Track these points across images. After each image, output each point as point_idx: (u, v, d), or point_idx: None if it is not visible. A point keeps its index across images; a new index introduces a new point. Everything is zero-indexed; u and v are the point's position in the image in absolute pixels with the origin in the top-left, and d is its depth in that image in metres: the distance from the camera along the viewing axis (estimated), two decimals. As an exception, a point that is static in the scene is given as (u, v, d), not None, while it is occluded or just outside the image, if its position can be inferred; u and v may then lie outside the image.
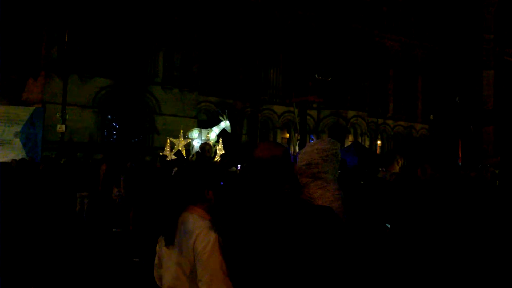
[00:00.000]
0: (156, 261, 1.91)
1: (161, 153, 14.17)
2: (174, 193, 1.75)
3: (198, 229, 1.68)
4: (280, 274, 1.44)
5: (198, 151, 7.12)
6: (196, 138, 15.68)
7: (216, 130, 16.51)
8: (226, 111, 17.91)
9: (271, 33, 28.95)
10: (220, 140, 16.07)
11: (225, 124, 16.57)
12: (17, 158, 12.76)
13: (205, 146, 6.23)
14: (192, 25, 25.03)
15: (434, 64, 36.40)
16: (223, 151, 14.41)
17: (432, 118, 37.45)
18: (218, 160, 12.32)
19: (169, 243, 1.70)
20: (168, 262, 1.75)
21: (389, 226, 2.01)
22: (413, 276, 1.78)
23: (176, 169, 6.68)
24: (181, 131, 16.11)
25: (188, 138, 15.83)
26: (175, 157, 12.91)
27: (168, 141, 15.79)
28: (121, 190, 8.64)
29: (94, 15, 21.80)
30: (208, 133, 16.19)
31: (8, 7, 20.98)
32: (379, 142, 33.17)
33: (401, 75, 35.20)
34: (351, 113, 30.79)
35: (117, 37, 22.78)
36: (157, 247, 1.89)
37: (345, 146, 24.22)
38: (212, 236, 1.64)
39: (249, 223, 1.52)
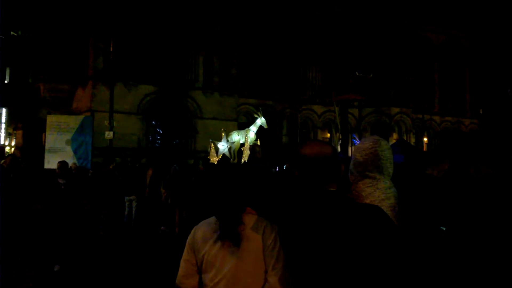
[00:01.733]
0: (183, 272, 1.82)
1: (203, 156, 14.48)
2: (236, 196, 1.82)
3: (262, 223, 1.79)
4: (326, 270, 1.50)
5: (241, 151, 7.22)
6: (224, 143, 15.80)
7: (253, 129, 16.38)
8: (260, 108, 17.88)
9: (309, 31, 28.71)
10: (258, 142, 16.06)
11: (261, 121, 16.34)
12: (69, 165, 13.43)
13: (255, 147, 6.28)
14: (229, 29, 25.33)
15: (482, 55, 34.60)
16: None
17: (481, 112, 35.60)
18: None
19: (237, 244, 1.75)
20: (226, 260, 1.75)
21: (444, 229, 1.91)
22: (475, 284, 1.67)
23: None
24: (222, 134, 16.29)
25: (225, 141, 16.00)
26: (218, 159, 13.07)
27: (212, 145, 16.03)
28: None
29: (136, 25, 22.60)
30: (246, 134, 16.14)
31: (56, 20, 22.20)
32: (425, 139, 31.96)
33: (447, 68, 33.73)
34: (394, 110, 29.85)
35: (159, 45, 23.48)
36: (186, 255, 1.82)
37: (390, 144, 23.55)
38: (276, 228, 1.77)
39: (294, 221, 1.61)
